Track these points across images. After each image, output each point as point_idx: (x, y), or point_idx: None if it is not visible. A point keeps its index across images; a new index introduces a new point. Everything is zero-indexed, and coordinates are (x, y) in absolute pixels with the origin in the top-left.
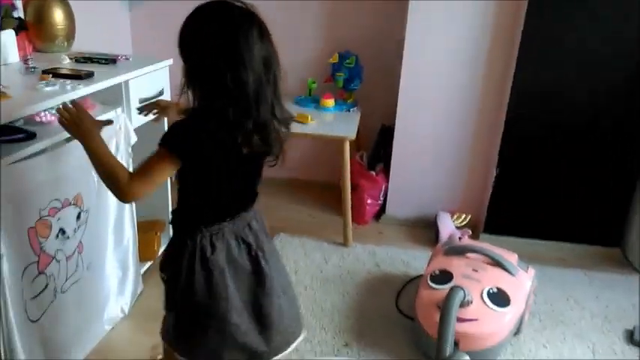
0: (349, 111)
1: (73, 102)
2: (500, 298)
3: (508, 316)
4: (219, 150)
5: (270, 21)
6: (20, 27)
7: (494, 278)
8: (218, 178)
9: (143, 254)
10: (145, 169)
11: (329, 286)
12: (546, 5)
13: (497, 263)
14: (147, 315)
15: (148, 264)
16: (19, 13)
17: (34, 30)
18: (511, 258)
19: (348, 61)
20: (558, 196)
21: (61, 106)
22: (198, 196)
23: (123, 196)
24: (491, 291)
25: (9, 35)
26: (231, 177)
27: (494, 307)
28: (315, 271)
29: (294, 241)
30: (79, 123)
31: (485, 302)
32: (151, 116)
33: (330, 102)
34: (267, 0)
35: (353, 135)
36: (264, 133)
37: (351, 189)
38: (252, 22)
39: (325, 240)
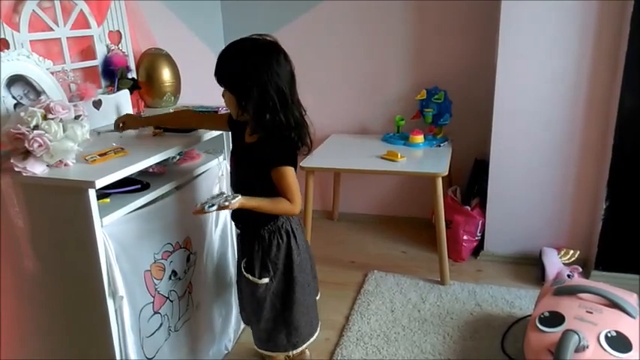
0: (440, 146)
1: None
2: (620, 343)
3: None
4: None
5: (357, 60)
6: (134, 87)
7: (612, 321)
8: None
9: None
10: (292, 189)
11: (428, 327)
12: None
13: (614, 304)
14: (249, 351)
15: None
16: (132, 74)
17: (145, 88)
18: (630, 298)
19: (436, 96)
20: None
21: (220, 204)
22: (274, 194)
23: (296, 214)
24: (609, 335)
25: (125, 95)
26: None
27: (614, 353)
28: (412, 311)
29: (389, 278)
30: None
31: (603, 347)
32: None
33: (419, 138)
34: (352, 40)
35: (445, 170)
36: (304, 130)
37: (446, 225)
38: (279, 48)
39: (421, 278)
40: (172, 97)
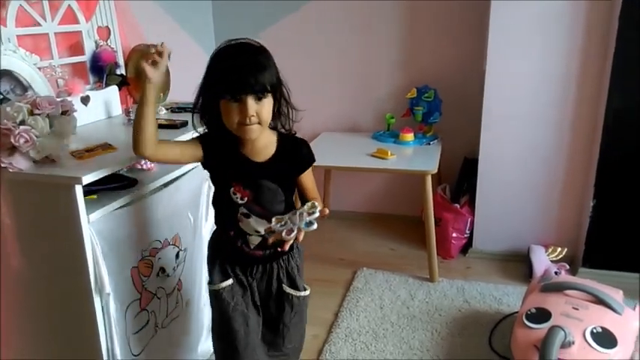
0: (429, 144)
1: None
2: (605, 339)
3: (615, 358)
4: None
5: (347, 59)
6: (122, 83)
7: (598, 317)
8: None
9: None
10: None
11: (416, 324)
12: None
13: (600, 301)
14: None
15: None
16: (121, 70)
17: (134, 84)
18: (616, 295)
19: (426, 95)
20: None
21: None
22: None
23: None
24: (594, 331)
25: (113, 91)
26: None
27: (599, 349)
28: (400, 308)
29: (378, 275)
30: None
31: (588, 343)
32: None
33: (409, 136)
34: (343, 38)
35: (434, 169)
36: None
37: (435, 223)
38: None
39: (410, 275)
40: (161, 94)
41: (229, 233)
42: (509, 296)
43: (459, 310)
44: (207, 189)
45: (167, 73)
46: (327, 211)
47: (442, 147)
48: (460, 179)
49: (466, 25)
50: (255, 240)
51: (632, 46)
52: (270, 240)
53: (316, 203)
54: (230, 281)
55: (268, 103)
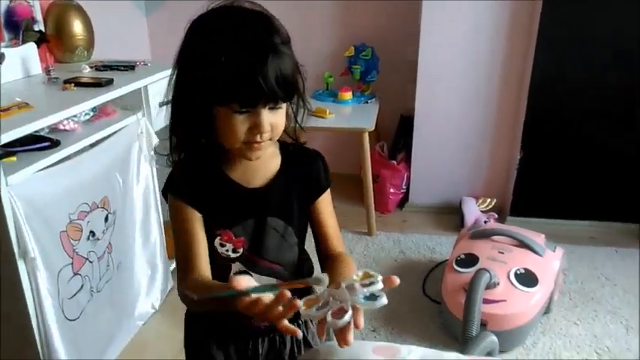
0: (367, 103)
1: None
2: (527, 279)
3: (536, 295)
4: None
5: (284, 17)
6: (41, 40)
7: (521, 259)
8: None
9: (171, 252)
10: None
11: None
12: None
13: (523, 244)
14: (176, 309)
15: None
16: (39, 26)
17: (54, 41)
18: (538, 238)
19: (364, 53)
20: (585, 175)
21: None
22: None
23: None
24: (518, 272)
25: (31, 49)
26: None
27: (522, 288)
28: None
29: None
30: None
31: (512, 283)
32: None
33: (347, 95)
34: None
35: (372, 126)
36: None
37: (373, 179)
38: None
39: (349, 230)
40: (85, 52)
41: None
42: (442, 246)
43: (395, 261)
44: (138, 150)
45: (90, 30)
46: (397, 280)
47: (380, 105)
48: (397, 136)
49: None
50: None
51: (558, 2)
52: (318, 333)
53: (373, 272)
54: None
55: (284, 109)
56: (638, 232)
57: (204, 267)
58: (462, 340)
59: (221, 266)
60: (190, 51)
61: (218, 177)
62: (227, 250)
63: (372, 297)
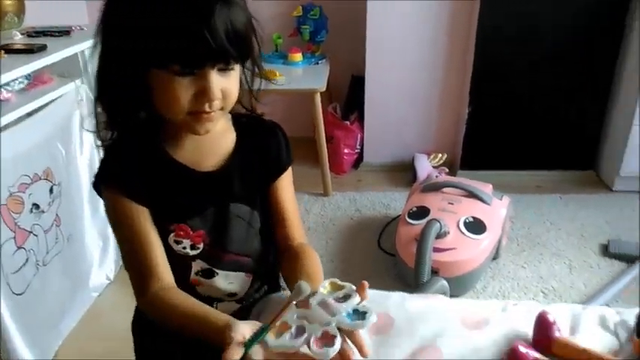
0: (318, 64)
1: None
2: (476, 227)
3: (484, 242)
4: None
5: None
6: None
7: (470, 208)
8: None
9: None
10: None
11: (312, 235)
12: None
13: (471, 194)
14: None
15: None
16: None
17: None
18: (485, 188)
19: (312, 12)
20: (531, 127)
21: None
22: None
23: None
24: (467, 220)
25: None
26: None
27: (471, 235)
28: None
29: None
30: None
31: (461, 231)
32: None
33: (297, 56)
34: None
35: (323, 86)
36: None
37: (327, 140)
38: None
39: (305, 192)
40: (16, 18)
41: None
42: (396, 202)
43: (351, 219)
44: (79, 118)
45: None
46: (367, 284)
47: (330, 66)
48: (349, 97)
49: None
50: (228, 308)
51: None
52: None
53: (340, 282)
54: None
55: (236, 73)
56: (580, 178)
57: (165, 272)
58: (414, 286)
59: (179, 266)
60: (116, 1)
61: (161, 159)
62: (184, 248)
63: (357, 313)
